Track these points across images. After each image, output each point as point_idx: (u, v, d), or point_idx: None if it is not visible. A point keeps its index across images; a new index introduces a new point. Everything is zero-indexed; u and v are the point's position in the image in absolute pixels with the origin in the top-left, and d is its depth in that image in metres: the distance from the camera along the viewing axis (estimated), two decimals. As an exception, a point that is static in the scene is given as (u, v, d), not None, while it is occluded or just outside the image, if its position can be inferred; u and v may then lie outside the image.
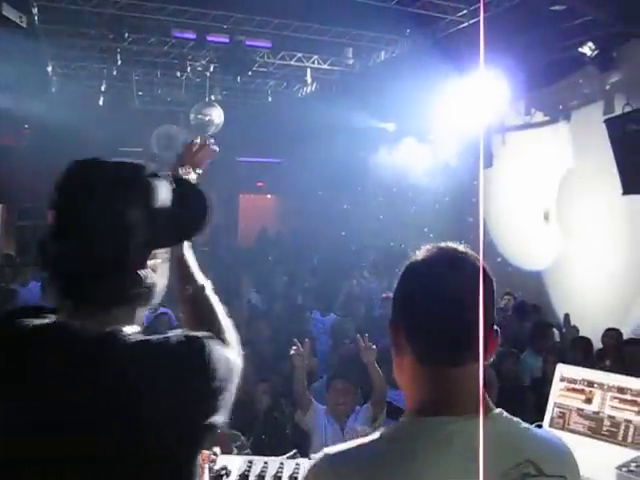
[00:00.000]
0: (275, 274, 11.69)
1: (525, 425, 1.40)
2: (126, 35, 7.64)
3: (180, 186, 1.64)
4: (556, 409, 2.48)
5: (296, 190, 17.55)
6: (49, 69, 9.34)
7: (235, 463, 2.67)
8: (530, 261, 10.19)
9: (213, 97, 10.43)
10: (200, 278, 1.83)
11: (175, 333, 1.48)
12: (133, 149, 13.82)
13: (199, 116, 9.79)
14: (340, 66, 9.42)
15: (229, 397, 1.51)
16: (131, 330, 1.44)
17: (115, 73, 9.00)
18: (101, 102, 10.65)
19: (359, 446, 1.34)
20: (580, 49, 7.87)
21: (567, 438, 2.42)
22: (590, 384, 2.44)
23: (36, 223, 14.94)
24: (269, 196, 20.15)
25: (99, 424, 1.34)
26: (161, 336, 1.45)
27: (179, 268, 1.79)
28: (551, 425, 2.48)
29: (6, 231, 14.84)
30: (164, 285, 1.57)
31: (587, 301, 8.93)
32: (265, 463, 2.64)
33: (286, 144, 15.30)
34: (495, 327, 1.39)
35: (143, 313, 1.54)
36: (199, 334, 1.50)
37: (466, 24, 7.72)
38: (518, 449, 1.34)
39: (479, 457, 1.19)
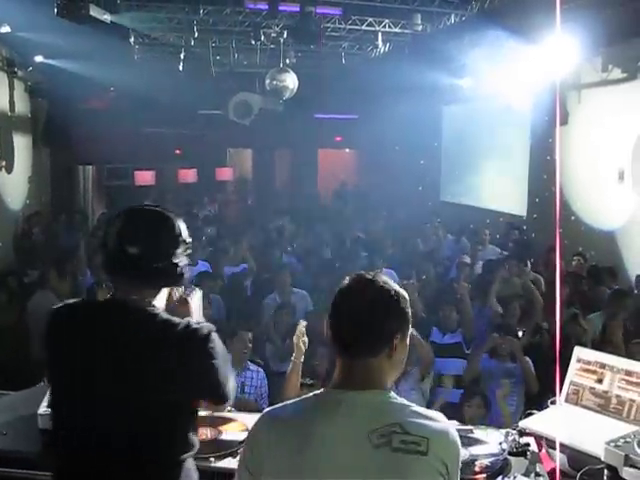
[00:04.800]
0: (350, 230, 11.80)
1: (407, 403, 1.92)
2: (201, 9, 8.00)
3: None
4: (571, 386, 2.76)
5: (373, 145, 17.72)
6: (131, 40, 9.80)
7: None
8: (603, 221, 10.14)
9: (288, 61, 10.68)
10: None
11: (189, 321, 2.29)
12: (212, 112, 14.32)
13: (274, 82, 10.11)
14: (411, 29, 9.49)
15: (223, 377, 2.27)
16: (158, 308, 2.34)
17: (193, 43, 9.38)
18: (181, 68, 11.07)
19: (285, 405, 2.02)
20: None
21: (580, 413, 2.70)
22: (602, 366, 2.69)
23: (122, 183, 15.78)
24: (347, 150, 20.38)
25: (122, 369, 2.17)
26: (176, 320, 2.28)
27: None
28: (566, 400, 2.75)
29: (97, 192, 15.69)
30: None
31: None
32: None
33: (362, 101, 15.45)
34: (397, 334, 1.94)
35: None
36: (205, 325, 2.29)
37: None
38: (391, 415, 1.86)
39: (355, 416, 1.84)
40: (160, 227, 2.34)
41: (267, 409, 2.05)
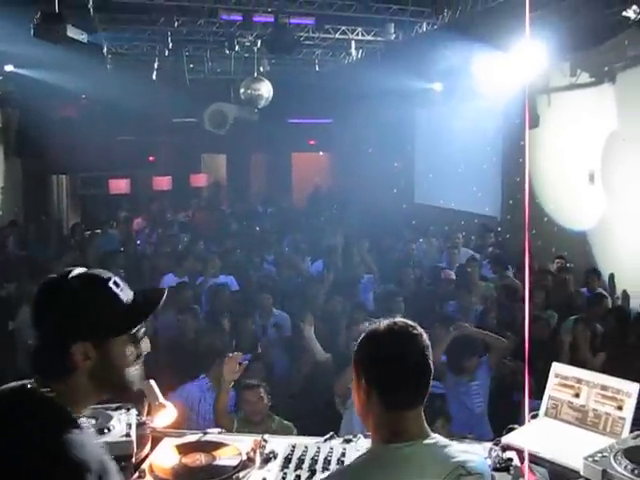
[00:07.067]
0: (328, 236, 11.58)
1: (450, 442, 1.99)
2: (175, 20, 8.03)
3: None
4: (550, 401, 2.86)
5: (347, 148, 17.82)
6: (104, 50, 9.78)
7: (281, 447, 3.05)
8: (575, 222, 10.34)
9: (262, 68, 10.73)
10: None
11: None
12: (186, 120, 14.34)
13: (249, 91, 10.18)
14: (384, 37, 9.59)
15: None
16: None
17: (166, 53, 9.39)
18: (154, 76, 11.05)
19: (348, 468, 2.04)
20: (624, 13, 7.86)
21: (559, 426, 2.79)
22: (579, 381, 2.80)
23: (97, 192, 15.70)
24: (321, 153, 20.45)
25: None
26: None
27: None
28: (546, 414, 2.85)
29: (72, 201, 15.57)
30: None
31: (632, 262, 9.05)
32: (305, 447, 3.00)
33: (335, 106, 15.53)
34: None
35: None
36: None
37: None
38: (452, 460, 1.92)
39: (427, 468, 1.88)
40: None
41: (329, 475, 2.09)
